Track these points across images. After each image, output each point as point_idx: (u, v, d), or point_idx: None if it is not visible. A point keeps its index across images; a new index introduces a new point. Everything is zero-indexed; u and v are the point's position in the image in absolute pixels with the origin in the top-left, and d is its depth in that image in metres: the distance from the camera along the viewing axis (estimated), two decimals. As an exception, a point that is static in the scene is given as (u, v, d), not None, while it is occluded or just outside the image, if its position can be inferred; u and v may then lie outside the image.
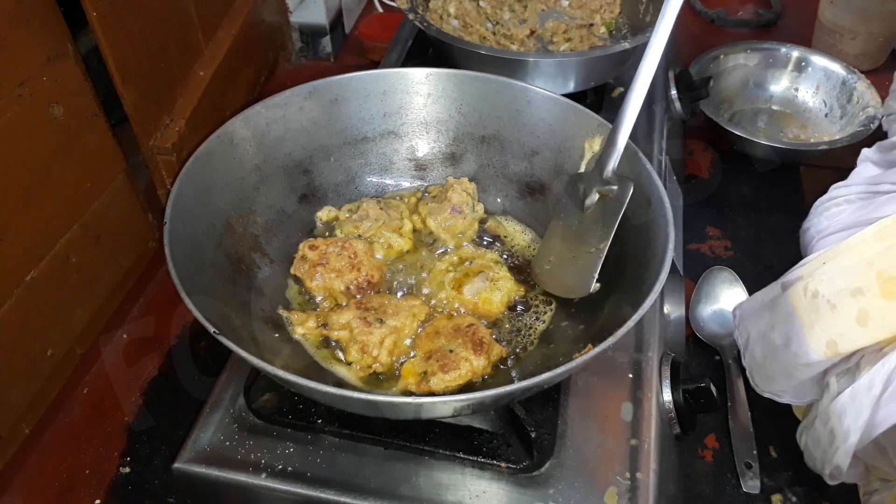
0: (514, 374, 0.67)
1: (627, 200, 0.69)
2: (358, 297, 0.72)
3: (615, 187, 0.70)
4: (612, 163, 0.70)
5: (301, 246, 0.74)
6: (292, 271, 0.73)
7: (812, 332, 0.69)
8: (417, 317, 0.69)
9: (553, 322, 0.72)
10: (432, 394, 0.62)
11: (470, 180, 0.82)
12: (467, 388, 0.64)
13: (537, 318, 0.72)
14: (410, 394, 0.64)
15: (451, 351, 0.65)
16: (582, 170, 0.75)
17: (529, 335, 0.70)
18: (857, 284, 0.66)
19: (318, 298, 0.73)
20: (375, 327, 0.66)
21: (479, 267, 0.74)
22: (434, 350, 0.65)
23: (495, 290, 0.71)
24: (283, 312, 0.70)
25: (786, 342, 0.72)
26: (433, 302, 0.72)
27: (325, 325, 0.68)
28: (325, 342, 0.68)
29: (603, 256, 0.69)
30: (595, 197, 0.72)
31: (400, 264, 0.77)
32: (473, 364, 0.64)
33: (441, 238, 0.78)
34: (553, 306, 0.73)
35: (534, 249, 0.78)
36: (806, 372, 0.71)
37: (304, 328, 0.68)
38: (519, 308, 0.73)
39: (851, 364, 0.68)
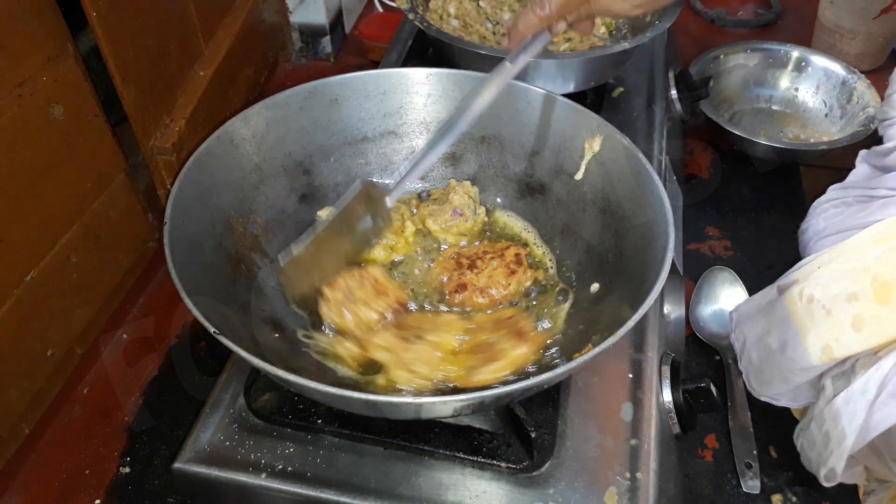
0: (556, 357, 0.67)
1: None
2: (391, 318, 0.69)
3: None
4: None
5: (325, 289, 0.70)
6: (324, 317, 0.69)
7: (808, 336, 0.69)
8: (454, 331, 0.67)
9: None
10: (478, 387, 0.62)
11: (472, 182, 0.82)
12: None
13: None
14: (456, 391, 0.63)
15: (491, 343, 0.65)
16: (580, 175, 0.76)
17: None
18: (853, 289, 0.66)
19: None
20: (416, 344, 0.65)
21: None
22: (478, 344, 0.65)
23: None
24: (317, 338, 0.68)
25: (782, 347, 0.72)
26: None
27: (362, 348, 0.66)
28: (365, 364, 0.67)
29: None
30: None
31: (395, 272, 0.76)
32: (514, 354, 0.63)
33: (441, 239, 0.78)
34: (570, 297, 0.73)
35: (537, 246, 0.78)
36: (802, 376, 0.71)
37: (345, 348, 0.66)
38: (534, 295, 0.73)
39: (847, 367, 0.68)
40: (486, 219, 0.80)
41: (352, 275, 0.70)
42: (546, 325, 0.71)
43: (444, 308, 0.72)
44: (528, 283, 0.73)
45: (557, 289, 0.74)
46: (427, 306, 0.73)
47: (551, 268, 0.77)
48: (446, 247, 0.78)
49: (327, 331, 0.69)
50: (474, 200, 0.80)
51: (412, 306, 0.72)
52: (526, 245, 0.78)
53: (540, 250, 0.78)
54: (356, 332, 0.68)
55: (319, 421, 0.64)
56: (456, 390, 0.63)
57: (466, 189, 0.80)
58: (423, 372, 0.63)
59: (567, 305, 0.72)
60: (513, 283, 0.72)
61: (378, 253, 0.76)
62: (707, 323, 0.91)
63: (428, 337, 0.65)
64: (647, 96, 1.02)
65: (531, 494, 0.60)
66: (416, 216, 0.80)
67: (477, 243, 0.78)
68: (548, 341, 0.67)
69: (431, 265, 0.76)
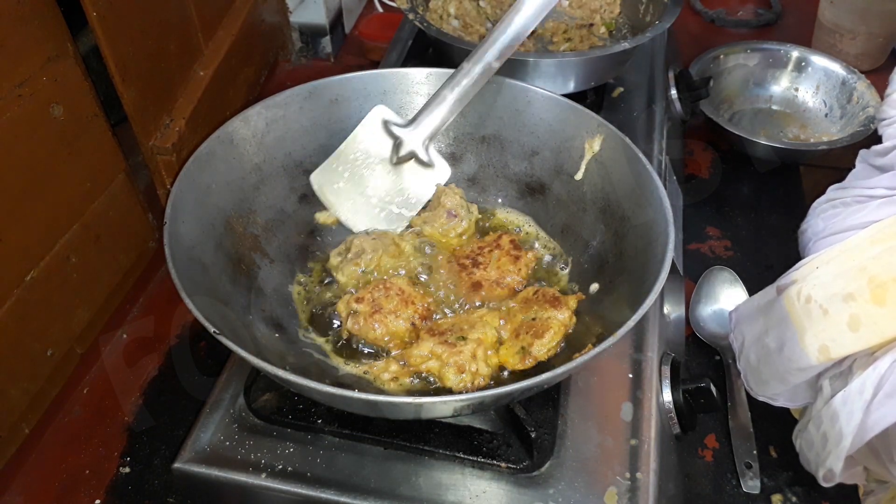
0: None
1: (438, 186, 0.79)
2: (424, 326, 0.69)
3: (434, 166, 0.78)
4: (434, 137, 0.77)
5: (341, 305, 0.70)
6: (350, 330, 0.68)
7: (805, 336, 0.69)
8: (492, 324, 0.68)
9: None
10: (539, 364, 0.64)
11: (472, 182, 0.82)
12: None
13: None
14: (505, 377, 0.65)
15: (533, 319, 0.66)
16: (580, 175, 0.76)
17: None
18: (849, 290, 0.66)
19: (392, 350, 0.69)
20: (462, 345, 0.64)
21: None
22: (518, 327, 0.67)
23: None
24: (362, 369, 0.66)
25: (780, 346, 0.72)
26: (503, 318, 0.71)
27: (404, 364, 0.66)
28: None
29: (406, 222, 0.79)
30: (410, 160, 0.78)
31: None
32: (560, 319, 0.65)
33: (442, 243, 0.78)
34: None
35: (538, 235, 0.79)
36: (799, 376, 0.71)
37: (389, 374, 0.65)
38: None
39: (844, 368, 0.68)
40: (479, 216, 0.80)
41: (377, 287, 0.70)
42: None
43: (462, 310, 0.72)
44: (534, 264, 0.75)
45: (556, 256, 0.77)
46: (449, 312, 0.72)
47: (545, 245, 0.78)
48: (431, 249, 0.78)
49: (359, 365, 0.68)
50: (463, 199, 0.80)
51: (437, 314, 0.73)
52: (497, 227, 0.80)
53: (531, 229, 0.80)
54: (389, 344, 0.68)
55: (319, 421, 0.64)
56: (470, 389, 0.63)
57: (453, 190, 0.80)
58: (480, 370, 0.64)
59: (567, 272, 0.75)
60: (522, 267, 0.73)
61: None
62: (707, 323, 0.91)
63: (471, 336, 0.66)
64: (647, 96, 1.02)
65: (531, 494, 0.60)
66: (412, 228, 0.80)
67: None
68: (578, 302, 0.69)
69: (430, 274, 0.76)
